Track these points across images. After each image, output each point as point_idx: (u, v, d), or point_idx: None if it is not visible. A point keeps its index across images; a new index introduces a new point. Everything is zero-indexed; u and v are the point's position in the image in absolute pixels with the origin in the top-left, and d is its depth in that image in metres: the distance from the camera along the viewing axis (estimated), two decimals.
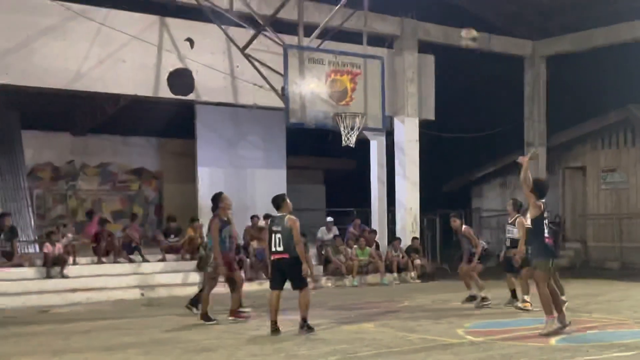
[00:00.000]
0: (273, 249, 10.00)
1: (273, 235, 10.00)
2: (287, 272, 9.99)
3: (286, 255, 9.90)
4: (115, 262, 16.37)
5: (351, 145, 15.40)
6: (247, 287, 16.43)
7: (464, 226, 13.23)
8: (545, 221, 9.79)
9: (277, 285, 10.09)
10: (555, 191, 24.17)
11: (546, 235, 9.75)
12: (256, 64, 15.95)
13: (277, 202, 10.25)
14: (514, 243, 12.35)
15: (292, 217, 10.07)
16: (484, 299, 12.86)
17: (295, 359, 8.19)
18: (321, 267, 18.25)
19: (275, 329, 9.94)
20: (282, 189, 20.77)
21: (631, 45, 20.83)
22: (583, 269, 21.83)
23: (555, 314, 9.59)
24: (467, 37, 12.92)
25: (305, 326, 9.98)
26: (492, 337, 9.50)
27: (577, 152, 24.08)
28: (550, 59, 22.90)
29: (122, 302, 13.84)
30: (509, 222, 12.76)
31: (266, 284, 11.51)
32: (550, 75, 22.95)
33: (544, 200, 9.81)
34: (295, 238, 9.85)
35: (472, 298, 13.11)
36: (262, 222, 17.32)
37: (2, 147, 17.10)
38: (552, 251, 10.04)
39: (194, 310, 11.92)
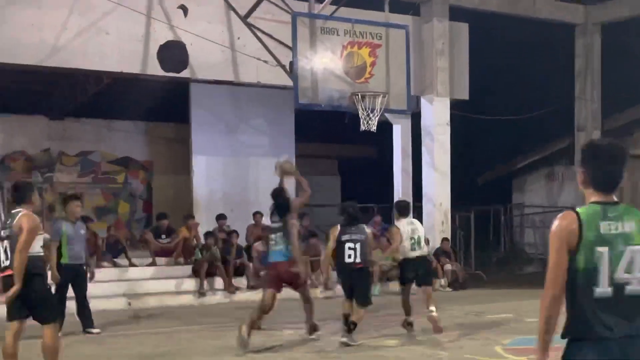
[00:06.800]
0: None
1: None
2: None
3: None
4: (98, 266, 16.42)
5: (371, 130, 15.38)
6: (253, 295, 16.49)
7: None
8: None
9: None
10: None
11: None
12: (260, 35, 15.96)
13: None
14: None
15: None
16: None
17: None
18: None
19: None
20: (290, 180, 20.87)
21: None
22: None
23: None
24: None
25: None
26: (534, 357, 9.46)
27: (638, 137, 23.94)
28: (605, 26, 22.74)
29: (105, 313, 13.89)
30: None
31: None
32: (605, 45, 22.79)
33: None
34: None
35: None
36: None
37: None
38: None
39: None
